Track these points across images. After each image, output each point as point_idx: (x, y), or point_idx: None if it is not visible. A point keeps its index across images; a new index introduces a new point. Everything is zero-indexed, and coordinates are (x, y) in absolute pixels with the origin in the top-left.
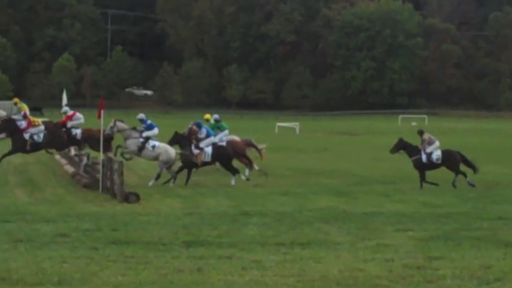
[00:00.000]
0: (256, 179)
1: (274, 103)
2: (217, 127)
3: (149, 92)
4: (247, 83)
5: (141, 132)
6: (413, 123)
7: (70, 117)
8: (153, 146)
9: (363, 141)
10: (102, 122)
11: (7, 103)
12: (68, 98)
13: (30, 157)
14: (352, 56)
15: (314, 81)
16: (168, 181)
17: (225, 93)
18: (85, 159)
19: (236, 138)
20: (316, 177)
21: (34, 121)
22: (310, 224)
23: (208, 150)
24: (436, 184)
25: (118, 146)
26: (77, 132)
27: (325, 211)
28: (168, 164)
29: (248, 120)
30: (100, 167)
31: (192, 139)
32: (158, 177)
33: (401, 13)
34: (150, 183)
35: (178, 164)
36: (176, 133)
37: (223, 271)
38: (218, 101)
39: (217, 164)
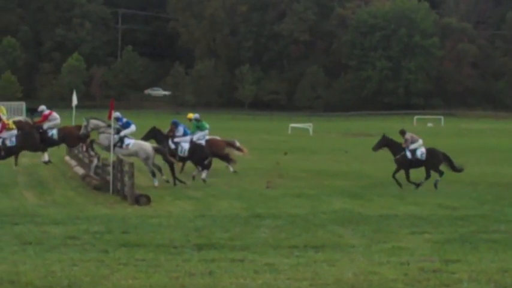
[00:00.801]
0: (269, 181)
1: (287, 104)
2: (197, 126)
3: (167, 93)
4: (259, 83)
5: (118, 130)
6: (430, 124)
7: (46, 117)
8: (128, 144)
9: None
10: (112, 123)
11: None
12: (78, 99)
13: (40, 159)
14: (367, 56)
15: (328, 82)
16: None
17: (237, 94)
18: (95, 161)
19: (218, 138)
20: (330, 179)
21: (8, 124)
22: (324, 227)
23: (185, 145)
24: (422, 182)
25: (92, 141)
26: (53, 132)
27: (339, 213)
28: (149, 159)
29: (261, 121)
30: (110, 169)
31: (170, 136)
32: (154, 174)
33: (417, 12)
34: (156, 184)
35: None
36: (153, 128)
37: (235, 274)
38: (230, 101)
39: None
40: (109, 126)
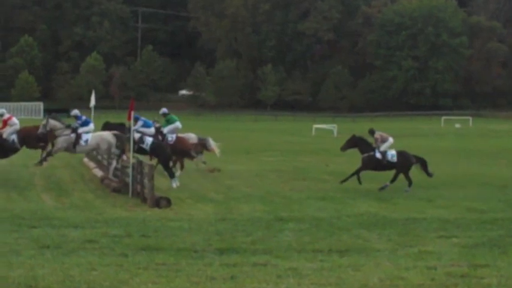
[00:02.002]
0: (292, 183)
1: (311, 104)
2: (166, 120)
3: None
4: (282, 84)
5: (76, 128)
6: (457, 125)
7: (6, 122)
8: (87, 140)
9: (404, 144)
10: (132, 124)
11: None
12: (96, 99)
13: (58, 161)
14: (393, 55)
15: (353, 82)
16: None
17: (260, 95)
18: (114, 163)
19: (193, 136)
20: (355, 182)
21: None
22: (349, 230)
23: (149, 140)
24: (387, 185)
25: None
26: (14, 138)
27: (364, 217)
28: (112, 146)
29: (284, 123)
30: (130, 171)
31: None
32: (118, 158)
33: (444, 10)
34: (113, 165)
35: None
36: (107, 122)
37: (258, 279)
38: (252, 102)
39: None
40: (68, 126)
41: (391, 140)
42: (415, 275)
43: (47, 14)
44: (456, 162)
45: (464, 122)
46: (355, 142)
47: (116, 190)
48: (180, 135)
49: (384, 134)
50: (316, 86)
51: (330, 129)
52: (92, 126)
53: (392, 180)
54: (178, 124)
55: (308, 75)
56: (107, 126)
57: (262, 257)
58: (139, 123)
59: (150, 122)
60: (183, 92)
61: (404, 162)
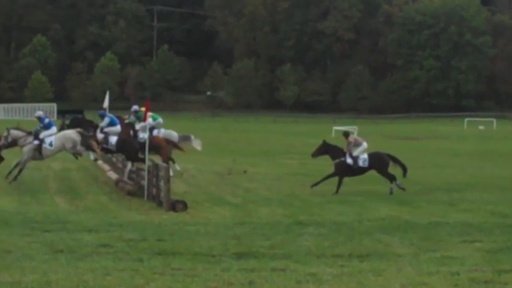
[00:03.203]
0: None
1: (330, 105)
2: (137, 117)
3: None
4: (302, 84)
5: (37, 133)
6: (481, 127)
7: None
8: (51, 143)
9: (425, 146)
10: (147, 125)
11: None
12: (111, 100)
13: (72, 163)
14: (415, 55)
15: (373, 82)
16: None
17: (278, 95)
18: (129, 165)
19: (174, 133)
20: (376, 185)
21: None
22: (370, 235)
23: (113, 139)
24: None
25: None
26: None
27: (385, 221)
28: (77, 145)
29: (303, 124)
30: (145, 174)
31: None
32: (96, 159)
33: (467, 9)
34: (91, 157)
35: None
36: (75, 118)
37: (277, 284)
38: (271, 103)
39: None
40: (29, 133)
41: (365, 145)
42: (437, 281)
43: (61, 13)
44: (480, 165)
45: (488, 124)
46: (326, 148)
47: (131, 193)
48: (162, 132)
49: (359, 138)
50: (336, 86)
51: (350, 131)
52: (54, 129)
53: (391, 180)
54: (150, 121)
55: (328, 75)
56: (74, 122)
57: (281, 262)
58: (106, 120)
59: (116, 119)
60: (209, 93)
61: (379, 164)
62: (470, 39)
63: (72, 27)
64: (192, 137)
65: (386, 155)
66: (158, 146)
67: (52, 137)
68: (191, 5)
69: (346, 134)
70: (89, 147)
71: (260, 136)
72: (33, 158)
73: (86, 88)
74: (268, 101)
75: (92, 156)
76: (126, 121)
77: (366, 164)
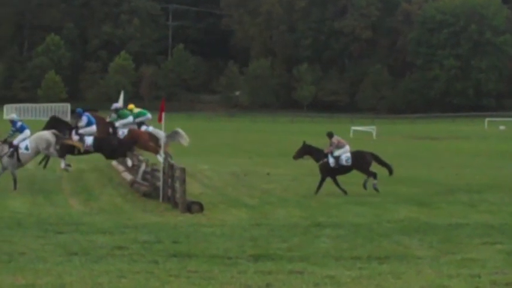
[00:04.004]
0: (330, 188)
1: (348, 105)
2: (118, 115)
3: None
4: (319, 84)
5: (8, 139)
6: (502, 127)
7: None
8: (26, 147)
9: (446, 147)
10: (163, 125)
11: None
12: (125, 100)
13: (86, 164)
14: (434, 54)
15: (392, 82)
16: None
17: (295, 95)
18: (143, 166)
19: (161, 132)
20: (395, 186)
21: None
22: (389, 237)
23: (89, 140)
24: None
25: None
26: None
27: (405, 222)
28: (51, 146)
29: (320, 124)
30: (160, 175)
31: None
32: (63, 157)
33: (488, 7)
34: (62, 166)
35: None
36: (53, 117)
37: (294, 287)
38: (287, 102)
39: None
40: (4, 142)
41: (347, 147)
42: (458, 283)
43: (75, 11)
44: (500, 165)
45: (509, 123)
46: (306, 150)
47: (146, 194)
48: (150, 129)
49: (342, 140)
50: (354, 86)
51: (368, 131)
52: (27, 132)
53: (374, 177)
54: (130, 119)
55: (345, 75)
56: (51, 123)
57: (299, 264)
58: (84, 119)
59: (93, 119)
60: (237, 93)
61: (361, 163)
62: (491, 38)
63: (85, 26)
64: (178, 130)
65: (370, 154)
66: (138, 138)
67: (27, 140)
68: (207, 3)
69: (330, 135)
70: (62, 154)
71: (277, 136)
72: (15, 166)
73: (100, 88)
74: (284, 101)
75: (62, 164)
76: (108, 119)
77: (350, 162)
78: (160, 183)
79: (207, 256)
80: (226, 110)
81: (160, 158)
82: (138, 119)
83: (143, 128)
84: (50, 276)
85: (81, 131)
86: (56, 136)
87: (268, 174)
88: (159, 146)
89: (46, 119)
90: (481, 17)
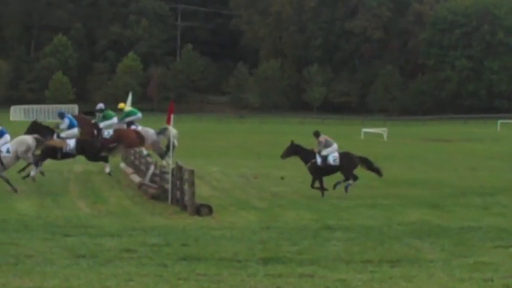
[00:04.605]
0: (340, 190)
1: (359, 107)
2: (103, 116)
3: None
4: (329, 85)
5: None
6: None
7: None
8: (8, 150)
9: (458, 149)
10: (171, 127)
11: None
12: (134, 101)
13: (93, 166)
14: (446, 55)
15: (403, 83)
16: (24, 170)
17: (305, 96)
18: (152, 168)
19: (151, 131)
20: (407, 188)
21: None
22: (400, 240)
23: (71, 143)
24: (326, 189)
25: None
26: None
27: (416, 225)
28: (30, 150)
29: (330, 126)
30: (169, 177)
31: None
32: (37, 165)
33: (500, 7)
34: (32, 173)
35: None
36: (34, 122)
37: None
38: (298, 104)
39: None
40: None
41: (335, 146)
42: (470, 287)
43: (82, 12)
44: None
45: None
46: (294, 149)
47: (155, 197)
48: (139, 128)
49: (329, 139)
50: (365, 87)
51: (380, 133)
52: (7, 137)
53: (353, 179)
54: (115, 120)
55: (356, 76)
56: (33, 127)
57: (309, 268)
58: (66, 121)
59: (75, 121)
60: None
61: (348, 165)
62: (503, 38)
63: (93, 27)
64: (169, 127)
65: (358, 158)
66: (123, 137)
67: (8, 143)
68: (216, 3)
69: (317, 134)
70: (42, 159)
71: (287, 138)
72: (0, 169)
73: (108, 89)
74: (295, 103)
75: (33, 172)
76: (93, 121)
77: (337, 162)
78: (169, 186)
79: (216, 259)
80: (236, 112)
81: (144, 151)
82: (128, 119)
83: (132, 128)
84: (57, 279)
85: (62, 134)
86: (37, 141)
87: (282, 178)
88: (146, 145)
89: (54, 120)
90: (494, 17)
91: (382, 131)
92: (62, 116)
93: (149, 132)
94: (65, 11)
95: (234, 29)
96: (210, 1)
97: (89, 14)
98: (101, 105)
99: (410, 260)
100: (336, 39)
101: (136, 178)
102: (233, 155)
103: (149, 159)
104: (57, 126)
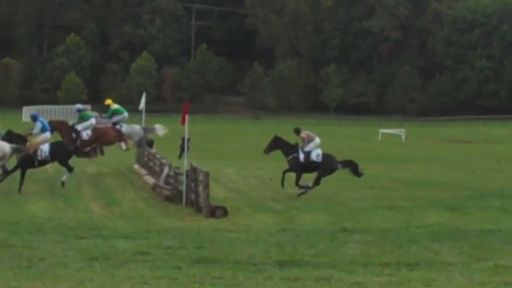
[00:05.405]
0: (358, 192)
1: (377, 107)
2: (80, 117)
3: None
4: (346, 85)
5: None
6: None
7: None
8: None
9: (477, 150)
10: (186, 129)
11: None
12: (147, 102)
13: (106, 167)
14: (465, 55)
15: (422, 83)
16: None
17: (322, 97)
18: (167, 169)
19: (136, 127)
20: (425, 190)
21: None
22: (419, 243)
23: (45, 147)
24: (310, 187)
25: None
26: None
27: (435, 228)
28: (4, 158)
29: (348, 127)
30: (183, 178)
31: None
32: (8, 174)
33: None
34: None
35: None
36: (8, 131)
37: None
38: (314, 105)
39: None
40: None
41: (317, 140)
42: None
43: (95, 11)
44: None
45: None
46: (277, 143)
47: (169, 199)
48: (124, 127)
49: (311, 134)
50: (383, 88)
51: (397, 134)
52: None
53: (314, 185)
54: (92, 120)
55: (374, 76)
56: (7, 137)
57: (326, 271)
58: (38, 125)
59: (47, 124)
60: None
61: (327, 166)
62: None
63: (106, 27)
64: (156, 126)
65: (339, 162)
66: (101, 136)
67: None
68: (231, 3)
69: (298, 131)
70: (15, 170)
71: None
72: None
73: (121, 89)
74: (311, 103)
75: None
76: (70, 124)
77: (320, 159)
78: (183, 187)
79: (232, 262)
80: (251, 112)
81: (124, 146)
82: (115, 118)
83: (117, 127)
84: (70, 282)
85: (36, 140)
86: (15, 149)
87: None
88: (134, 142)
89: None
90: None
91: (400, 132)
92: (34, 118)
93: (135, 128)
94: (77, 11)
95: (249, 28)
96: (224, 0)
97: (102, 14)
98: (78, 106)
99: (428, 263)
100: (353, 38)
101: (150, 179)
102: (248, 157)
103: (163, 161)
104: (30, 133)
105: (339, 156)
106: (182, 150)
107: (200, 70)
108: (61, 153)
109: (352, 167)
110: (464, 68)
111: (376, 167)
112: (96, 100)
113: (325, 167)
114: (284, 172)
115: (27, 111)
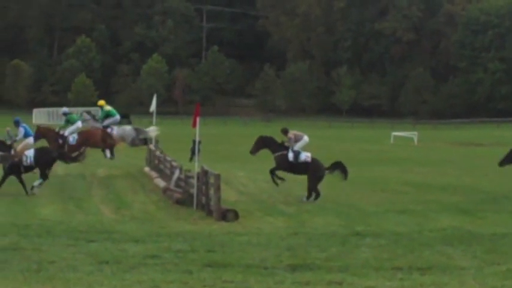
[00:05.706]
0: (370, 195)
1: (389, 110)
2: (66, 120)
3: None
4: (358, 88)
5: None
6: None
7: None
8: None
9: (490, 153)
10: (197, 131)
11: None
12: (158, 104)
13: (117, 170)
14: (478, 57)
15: (435, 85)
16: None
17: (334, 99)
18: (177, 172)
19: (127, 127)
20: (438, 194)
21: None
22: (431, 246)
23: (30, 153)
24: (283, 179)
25: None
26: None
27: (447, 232)
28: None
29: (360, 129)
30: (194, 181)
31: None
32: None
33: None
34: None
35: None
36: None
37: None
38: (326, 107)
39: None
40: None
41: (306, 138)
42: None
43: (106, 13)
44: None
45: None
46: (264, 142)
47: (180, 202)
48: (115, 130)
49: (298, 133)
50: (395, 90)
51: (410, 137)
52: None
53: (308, 197)
54: (79, 124)
55: (386, 78)
56: None
57: (338, 275)
58: (21, 131)
59: (30, 130)
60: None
61: (315, 171)
62: None
63: (117, 28)
64: (150, 128)
65: (326, 169)
66: (88, 138)
67: None
68: (242, 4)
69: (285, 131)
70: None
71: (315, 142)
72: None
73: (132, 91)
74: (323, 105)
75: None
76: (56, 130)
77: (309, 160)
78: (194, 190)
79: (243, 266)
80: (263, 115)
81: (108, 154)
82: (107, 121)
83: (108, 130)
84: (80, 286)
85: (19, 147)
86: (2, 158)
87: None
88: (127, 143)
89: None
90: None
91: (413, 134)
92: (17, 124)
93: (126, 130)
94: (88, 12)
95: (260, 30)
96: (236, 2)
97: (112, 15)
98: (65, 109)
99: (441, 267)
100: (365, 40)
101: (161, 182)
102: (259, 160)
103: (174, 164)
104: (15, 140)
105: (352, 160)
106: (193, 152)
107: (211, 72)
108: (44, 159)
109: (340, 168)
110: (478, 70)
111: (388, 170)
112: (106, 102)
113: (313, 171)
114: (271, 171)
115: (37, 114)
